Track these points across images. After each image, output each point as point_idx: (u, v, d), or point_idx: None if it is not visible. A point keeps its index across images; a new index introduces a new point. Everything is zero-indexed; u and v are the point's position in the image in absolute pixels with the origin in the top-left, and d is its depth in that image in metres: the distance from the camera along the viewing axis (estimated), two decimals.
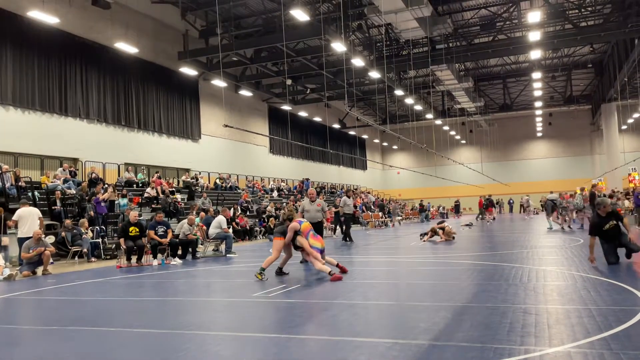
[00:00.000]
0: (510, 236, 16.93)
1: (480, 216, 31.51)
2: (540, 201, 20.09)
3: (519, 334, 4.19)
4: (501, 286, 6.66)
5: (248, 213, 23.86)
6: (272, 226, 21.73)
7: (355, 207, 30.11)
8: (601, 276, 7.11)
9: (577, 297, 5.71)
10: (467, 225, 25.04)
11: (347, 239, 17.00)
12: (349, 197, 18.24)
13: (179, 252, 13.07)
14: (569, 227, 18.29)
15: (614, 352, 3.61)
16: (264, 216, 23.92)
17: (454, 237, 15.67)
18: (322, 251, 8.55)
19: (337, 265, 8.50)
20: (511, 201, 50.13)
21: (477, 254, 11.25)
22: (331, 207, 23.85)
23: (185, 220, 13.67)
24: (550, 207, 19.85)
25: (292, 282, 7.71)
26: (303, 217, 11.70)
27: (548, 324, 4.55)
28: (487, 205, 30.29)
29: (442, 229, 15.67)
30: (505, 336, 4.14)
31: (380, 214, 31.16)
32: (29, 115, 19.38)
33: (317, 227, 11.34)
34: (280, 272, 8.63)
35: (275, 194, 31.06)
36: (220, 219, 14.26)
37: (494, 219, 29.84)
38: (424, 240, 15.53)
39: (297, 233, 8.49)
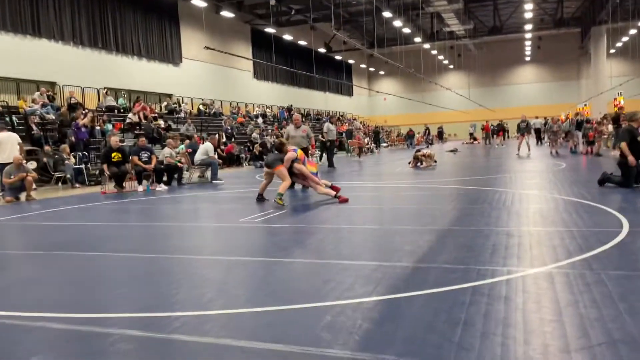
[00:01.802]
0: (494, 161, 17.09)
1: (488, 140, 31.52)
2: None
3: (502, 256, 4.25)
4: (485, 210, 6.73)
5: (233, 140, 23.64)
6: (257, 153, 21.60)
7: (340, 133, 30.03)
8: (583, 199, 7.21)
9: (559, 220, 5.79)
10: (451, 151, 25.19)
11: (331, 165, 17.03)
12: (332, 123, 18.08)
13: (164, 178, 13.00)
14: (556, 152, 18.45)
15: (595, 272, 3.68)
16: (248, 144, 23.75)
17: (435, 162, 15.77)
18: (316, 174, 8.72)
19: (331, 187, 8.61)
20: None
21: (461, 179, 11.34)
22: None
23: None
24: (523, 129, 19.84)
25: (277, 208, 7.71)
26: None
27: (530, 245, 4.62)
28: (497, 129, 30.45)
29: (425, 155, 15.72)
30: (488, 258, 4.20)
31: (366, 140, 31.08)
32: (1, 37, 18.44)
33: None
34: (261, 198, 8.64)
35: (260, 120, 30.69)
36: (208, 146, 14.11)
37: (502, 144, 29.70)
38: (413, 166, 15.62)
39: (294, 161, 8.57)
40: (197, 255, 4.93)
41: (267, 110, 33.98)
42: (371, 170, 16.60)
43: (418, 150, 16.33)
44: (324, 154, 18.62)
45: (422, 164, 15.53)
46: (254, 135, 25.10)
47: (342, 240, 5.35)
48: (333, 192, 8.33)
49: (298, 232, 6.04)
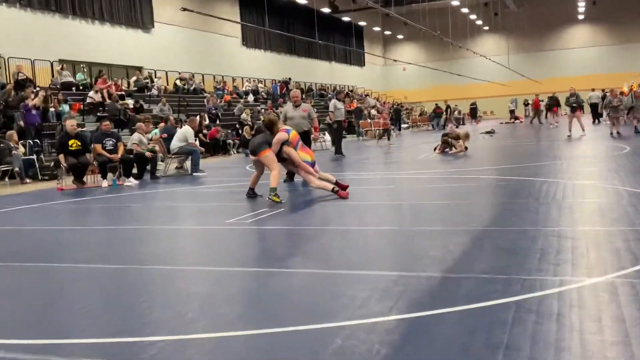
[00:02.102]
0: (540, 145, 17.03)
1: (537, 118, 30.95)
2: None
3: (553, 263, 4.23)
4: (530, 205, 6.70)
5: (218, 122, 23.65)
6: (247, 137, 21.59)
7: (349, 112, 29.96)
8: None
9: (623, 217, 5.75)
10: (487, 132, 25.13)
11: (338, 152, 16.99)
12: (340, 100, 18.02)
13: (134, 170, 13.00)
14: (618, 132, 18.33)
15: None
16: (237, 126, 23.76)
17: (466, 148, 15.73)
18: (312, 165, 8.56)
19: (336, 183, 8.45)
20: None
21: (499, 168, 11.30)
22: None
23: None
24: (573, 105, 19.61)
25: (272, 206, 7.71)
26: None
27: (588, 249, 4.59)
28: (550, 104, 29.19)
29: (458, 136, 15.66)
30: (535, 265, 4.18)
31: (381, 121, 31.01)
32: None
33: (304, 139, 11.25)
34: (252, 194, 8.62)
35: (251, 98, 30.69)
36: (187, 131, 14.09)
37: (556, 123, 28.28)
38: (441, 151, 15.61)
39: (284, 144, 8.43)
40: (175, 265, 4.93)
41: (260, 85, 33.98)
42: (389, 158, 16.54)
43: (445, 134, 16.25)
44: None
45: (450, 149, 15.49)
46: (244, 116, 25.11)
47: (352, 245, 5.34)
48: (330, 186, 8.24)
49: (298, 235, 6.04)
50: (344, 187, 8.34)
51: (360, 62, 52.16)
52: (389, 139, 24.35)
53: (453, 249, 4.78)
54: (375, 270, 4.35)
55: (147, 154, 13.24)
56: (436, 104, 39.12)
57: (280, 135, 8.45)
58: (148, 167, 13.44)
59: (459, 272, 4.14)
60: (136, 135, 13.50)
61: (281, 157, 8.54)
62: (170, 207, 8.98)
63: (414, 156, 15.95)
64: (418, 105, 49.81)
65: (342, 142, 17.92)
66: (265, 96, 32.57)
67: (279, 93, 33.47)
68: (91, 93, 20.33)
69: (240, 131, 23.12)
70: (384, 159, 16.24)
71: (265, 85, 34.78)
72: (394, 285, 3.89)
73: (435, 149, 16.03)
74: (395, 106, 38.69)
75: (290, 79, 36.44)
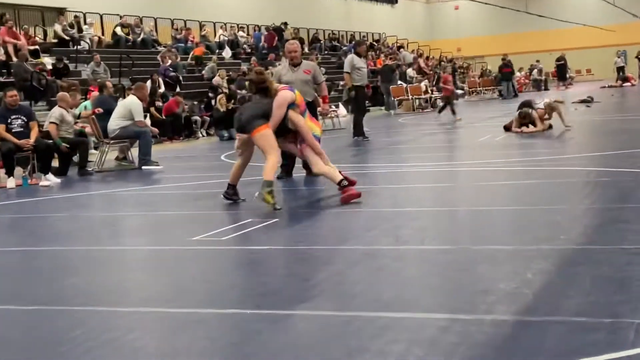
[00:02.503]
0: None
1: None
2: None
3: None
4: None
5: (179, 90, 23.59)
6: (224, 111, 21.49)
7: (373, 73, 29.81)
8: None
9: None
10: (582, 101, 24.99)
11: (358, 133, 16.91)
12: (360, 55, 17.92)
13: (54, 163, 13.01)
14: None
15: None
16: (209, 95, 23.68)
17: (551, 126, 15.65)
18: (318, 142, 8.67)
19: (342, 176, 8.48)
20: None
21: (600, 155, 11.27)
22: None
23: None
24: None
25: (263, 214, 7.70)
26: None
27: None
28: None
29: (551, 105, 15.60)
30: None
31: (423, 84, 30.95)
32: None
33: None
34: (232, 195, 8.65)
35: (227, 53, 30.63)
36: (132, 104, 14.06)
37: None
38: (516, 131, 15.60)
39: (290, 106, 8.41)
40: (116, 305, 4.91)
41: (241, 34, 33.91)
42: (434, 140, 16.48)
43: (526, 104, 16.12)
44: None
45: (528, 126, 15.42)
46: (217, 80, 25.03)
47: (381, 273, 5.31)
48: (338, 176, 8.31)
49: (302, 258, 6.03)
50: (352, 183, 8.37)
51: None
52: (454, 112, 22.49)
53: (532, 279, 4.75)
54: (416, 311, 4.33)
55: (62, 147, 13.07)
56: (503, 60, 38.42)
57: (285, 94, 8.41)
58: (75, 158, 13.46)
59: (541, 314, 4.12)
60: (57, 111, 13.41)
61: (284, 131, 8.49)
62: (109, 217, 8.98)
63: (473, 138, 15.88)
64: (478, 61, 49.66)
65: (364, 117, 17.86)
66: (249, 50, 32.53)
67: (266, 46, 33.22)
68: None
69: (212, 102, 23.05)
70: (427, 142, 16.17)
71: (248, 34, 34.73)
72: (443, 334, 3.88)
73: (506, 128, 15.94)
74: (444, 63, 38.51)
75: (285, 24, 36.27)
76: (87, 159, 13.58)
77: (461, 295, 4.70)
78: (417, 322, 4.14)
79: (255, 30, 35.24)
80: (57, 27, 25.00)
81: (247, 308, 4.67)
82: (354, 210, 7.78)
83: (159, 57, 26.00)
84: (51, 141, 12.92)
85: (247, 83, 7.98)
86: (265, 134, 8.24)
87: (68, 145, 13.12)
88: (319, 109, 11.70)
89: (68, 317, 4.71)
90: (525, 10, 42.98)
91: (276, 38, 33.68)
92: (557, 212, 7.10)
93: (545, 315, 4.10)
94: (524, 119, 15.62)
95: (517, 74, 40.62)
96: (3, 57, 20.24)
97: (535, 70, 43.66)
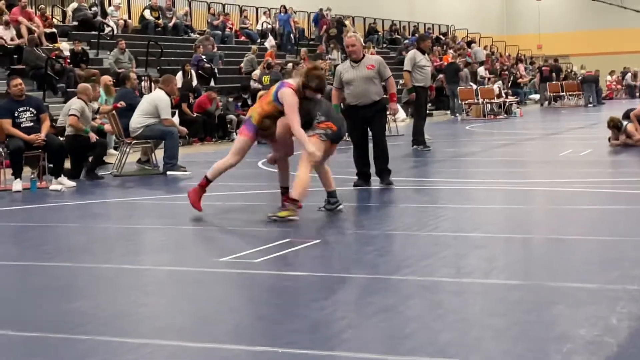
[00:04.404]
0: None
1: None
2: None
3: None
4: None
5: (213, 84, 23.64)
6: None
7: (438, 72, 29.64)
8: None
9: None
10: None
11: (418, 142, 16.78)
12: (423, 51, 17.78)
13: (67, 164, 12.96)
14: None
15: None
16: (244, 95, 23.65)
17: None
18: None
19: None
20: None
21: None
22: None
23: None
24: None
25: (304, 229, 7.68)
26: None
27: None
28: None
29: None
30: None
31: (496, 86, 30.55)
32: None
33: (373, 116, 11.34)
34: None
35: (270, 41, 30.64)
36: (158, 99, 14.04)
37: None
38: (614, 144, 15.52)
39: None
40: (127, 336, 4.87)
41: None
42: (506, 153, 16.35)
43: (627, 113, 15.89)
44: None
45: (631, 137, 15.42)
46: (257, 73, 25.06)
47: (438, 310, 5.22)
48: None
49: (343, 288, 6.04)
50: (299, 205, 8.68)
51: None
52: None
53: (617, 325, 4.62)
54: (477, 358, 4.23)
55: (92, 136, 13.12)
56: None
57: (285, 93, 8.71)
58: (91, 159, 13.41)
59: None
60: (77, 102, 13.34)
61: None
62: (126, 230, 8.99)
63: (552, 152, 15.75)
64: (562, 61, 48.88)
65: (426, 123, 17.72)
66: (294, 40, 32.30)
67: (319, 34, 33.04)
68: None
69: (249, 100, 23.06)
70: (499, 155, 16.07)
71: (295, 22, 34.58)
72: None
73: (610, 140, 15.67)
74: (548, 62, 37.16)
75: (329, 9, 35.78)
76: (102, 160, 13.54)
77: (531, 341, 4.53)
78: None
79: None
80: (78, 9, 25.04)
81: (278, 346, 4.57)
82: (409, 234, 7.81)
83: (193, 47, 25.86)
84: (64, 137, 12.87)
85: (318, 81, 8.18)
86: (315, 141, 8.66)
87: (95, 139, 13.12)
88: (388, 110, 11.71)
89: (71, 347, 4.66)
90: (620, 4, 42.42)
91: (328, 25, 33.60)
92: None
93: None
94: (617, 128, 15.61)
95: (608, 77, 39.95)
96: (17, 41, 20.16)
97: (629, 75, 42.90)
